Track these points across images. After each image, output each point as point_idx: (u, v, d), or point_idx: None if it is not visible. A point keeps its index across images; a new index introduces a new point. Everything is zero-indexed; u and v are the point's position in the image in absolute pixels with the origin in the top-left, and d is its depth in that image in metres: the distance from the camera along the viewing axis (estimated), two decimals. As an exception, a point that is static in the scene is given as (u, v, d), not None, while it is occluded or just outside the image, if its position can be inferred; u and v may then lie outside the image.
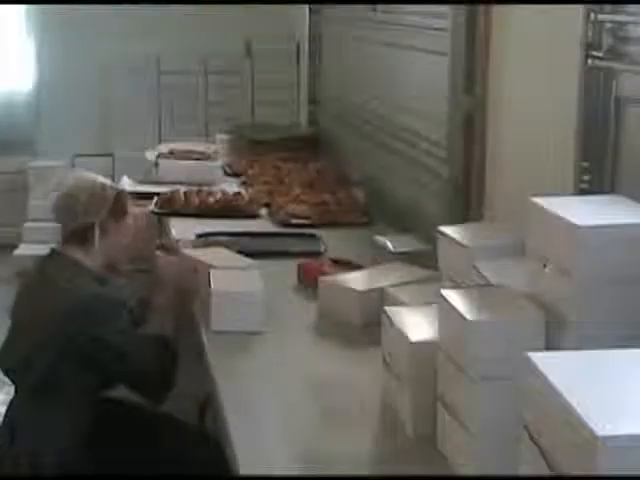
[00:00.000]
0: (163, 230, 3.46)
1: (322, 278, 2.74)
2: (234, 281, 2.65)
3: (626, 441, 1.17)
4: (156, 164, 4.37)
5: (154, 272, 2.91)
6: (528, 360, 1.37)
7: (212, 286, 2.57)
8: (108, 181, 2.80)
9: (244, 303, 2.54)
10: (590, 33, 2.21)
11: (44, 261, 2.72)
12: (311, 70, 5.68)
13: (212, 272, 2.67)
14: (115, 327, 2.58)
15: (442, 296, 1.83)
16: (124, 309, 2.68)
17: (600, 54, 2.19)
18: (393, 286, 2.56)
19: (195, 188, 3.98)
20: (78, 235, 2.68)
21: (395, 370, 2.02)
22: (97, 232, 2.68)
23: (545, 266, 1.81)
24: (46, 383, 2.56)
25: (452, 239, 2.35)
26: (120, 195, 2.78)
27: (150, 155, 4.51)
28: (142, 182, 4.31)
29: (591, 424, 1.17)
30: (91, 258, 2.69)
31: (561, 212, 1.77)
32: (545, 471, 1.32)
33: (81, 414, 2.58)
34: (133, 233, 2.83)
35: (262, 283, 2.61)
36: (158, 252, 2.95)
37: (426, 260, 2.75)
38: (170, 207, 3.81)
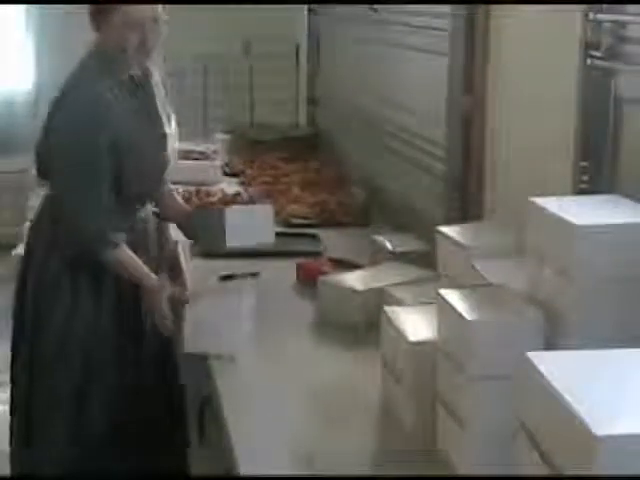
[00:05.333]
0: (162, 231, 3.46)
1: (321, 278, 2.74)
2: (212, 304, 2.53)
3: (625, 441, 1.17)
4: (155, 164, 4.37)
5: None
6: (527, 360, 1.37)
7: (187, 311, 2.48)
8: None
9: (220, 326, 2.42)
10: (589, 33, 2.21)
11: None
12: (310, 70, 5.68)
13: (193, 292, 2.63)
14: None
15: (441, 296, 1.83)
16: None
17: (599, 54, 2.19)
18: (392, 286, 2.56)
19: (194, 188, 3.98)
20: None
21: (394, 370, 2.02)
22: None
23: (544, 266, 1.81)
24: None
25: (451, 239, 2.35)
26: None
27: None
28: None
29: (590, 424, 1.18)
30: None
31: (560, 212, 1.77)
32: (544, 471, 1.32)
33: None
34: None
35: (246, 305, 2.52)
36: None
37: (425, 260, 2.75)
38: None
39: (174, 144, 2.84)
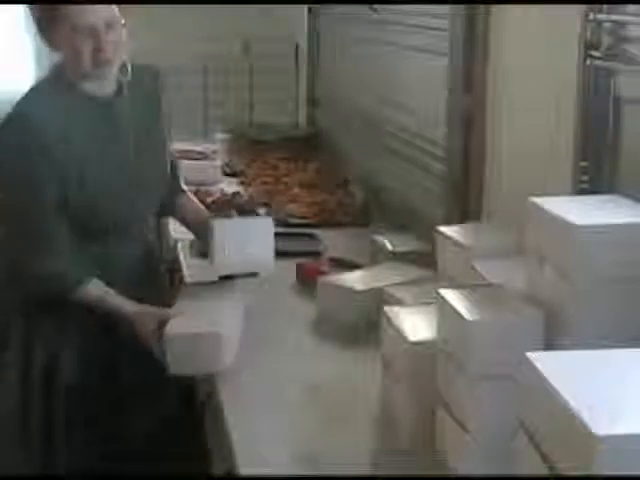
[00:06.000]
0: (162, 231, 3.46)
1: (321, 278, 2.74)
2: (193, 319, 2.32)
3: (625, 441, 1.17)
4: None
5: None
6: (527, 360, 1.37)
7: (167, 328, 2.26)
8: None
9: (203, 345, 2.22)
10: (589, 33, 2.21)
11: None
12: (310, 70, 5.68)
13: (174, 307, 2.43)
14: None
15: (441, 296, 1.83)
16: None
17: (599, 54, 2.19)
18: (392, 286, 2.56)
19: (193, 188, 3.98)
20: None
21: (394, 370, 2.02)
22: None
23: (544, 266, 1.81)
24: None
25: (451, 239, 2.35)
26: None
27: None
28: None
29: (590, 424, 1.17)
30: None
31: (559, 212, 1.77)
32: (544, 471, 1.32)
33: None
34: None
35: (233, 319, 2.38)
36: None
37: (425, 260, 2.75)
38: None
39: (155, 168, 2.54)
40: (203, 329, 2.24)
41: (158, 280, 2.74)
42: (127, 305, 2.38)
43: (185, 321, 2.28)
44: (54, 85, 2.38)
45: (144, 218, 2.60)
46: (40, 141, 2.27)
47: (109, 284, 2.42)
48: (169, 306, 2.43)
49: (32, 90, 2.43)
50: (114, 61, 2.36)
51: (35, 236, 2.33)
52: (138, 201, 2.50)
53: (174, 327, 2.25)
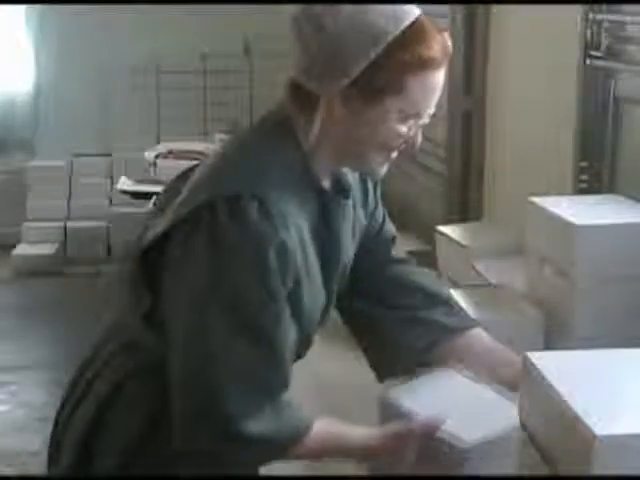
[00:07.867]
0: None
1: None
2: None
3: (624, 440, 1.17)
4: (154, 164, 4.37)
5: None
6: (527, 360, 1.37)
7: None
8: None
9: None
10: (589, 33, 2.21)
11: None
12: (310, 70, 5.68)
13: None
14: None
15: (441, 296, 1.82)
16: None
17: (599, 54, 2.19)
18: (392, 286, 2.55)
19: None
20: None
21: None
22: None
23: (544, 266, 1.81)
24: None
25: (451, 239, 2.35)
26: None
27: (149, 155, 4.51)
28: (140, 182, 4.31)
29: (590, 423, 1.18)
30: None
31: (560, 211, 1.77)
32: (544, 471, 1.32)
33: None
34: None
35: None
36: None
37: (425, 260, 2.74)
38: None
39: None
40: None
41: None
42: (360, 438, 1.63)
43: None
44: (291, 170, 1.57)
45: None
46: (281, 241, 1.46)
47: None
48: None
49: (265, 171, 1.55)
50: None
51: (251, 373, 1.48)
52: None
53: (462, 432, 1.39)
